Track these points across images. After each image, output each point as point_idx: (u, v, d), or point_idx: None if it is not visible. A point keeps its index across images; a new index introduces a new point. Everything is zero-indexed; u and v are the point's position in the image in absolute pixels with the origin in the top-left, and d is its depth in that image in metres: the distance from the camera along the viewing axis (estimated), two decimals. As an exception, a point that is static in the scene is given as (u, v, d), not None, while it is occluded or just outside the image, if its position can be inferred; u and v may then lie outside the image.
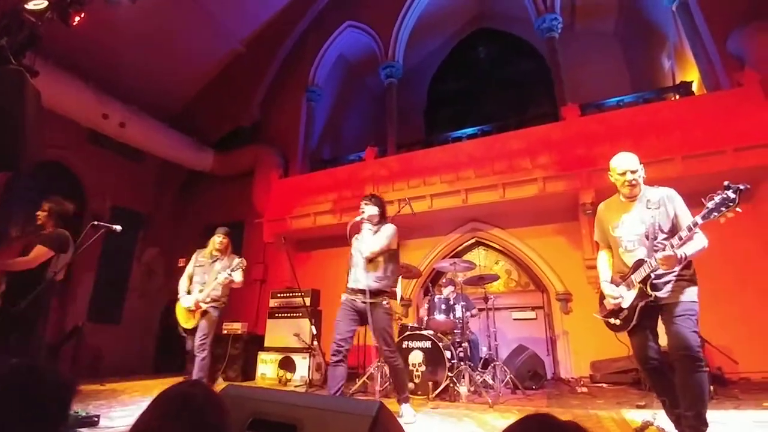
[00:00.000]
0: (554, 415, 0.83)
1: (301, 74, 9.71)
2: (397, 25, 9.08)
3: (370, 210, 3.59)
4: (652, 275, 2.35)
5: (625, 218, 2.56)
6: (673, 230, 2.40)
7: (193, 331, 4.13)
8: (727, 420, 2.99)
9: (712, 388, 3.86)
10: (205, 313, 4.11)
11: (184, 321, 4.18)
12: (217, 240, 4.43)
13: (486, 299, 5.24)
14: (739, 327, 5.15)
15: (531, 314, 6.94)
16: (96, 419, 2.98)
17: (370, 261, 3.45)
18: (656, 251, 2.34)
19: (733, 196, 2.05)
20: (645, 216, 2.48)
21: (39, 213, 3.91)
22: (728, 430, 2.74)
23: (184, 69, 9.16)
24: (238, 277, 4.19)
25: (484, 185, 6.56)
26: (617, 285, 2.55)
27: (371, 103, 11.32)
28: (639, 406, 3.53)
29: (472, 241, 7.55)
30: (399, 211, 5.51)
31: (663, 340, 2.45)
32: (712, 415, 2.20)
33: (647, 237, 2.44)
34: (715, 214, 2.09)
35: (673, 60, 7.75)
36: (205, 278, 4.26)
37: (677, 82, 7.14)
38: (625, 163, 2.53)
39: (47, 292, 3.51)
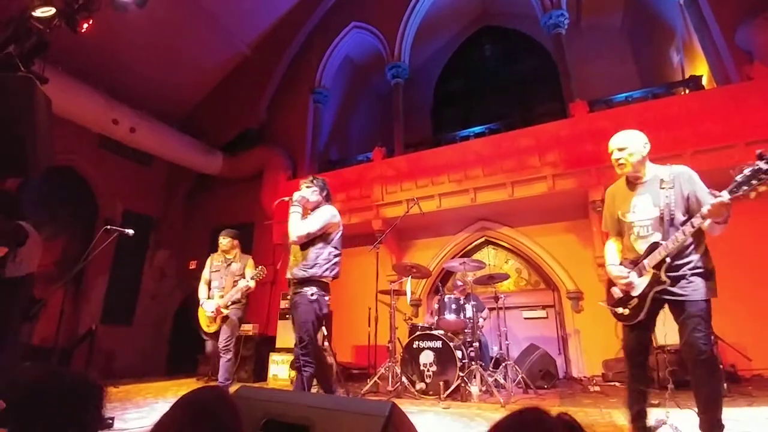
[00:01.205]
0: (544, 409, 0.82)
1: (308, 76, 9.74)
2: (402, 25, 9.08)
3: (301, 193, 3.15)
4: (668, 260, 2.16)
5: (636, 202, 2.36)
6: (688, 212, 2.19)
7: (214, 335, 4.19)
8: (741, 417, 2.95)
9: (725, 385, 3.82)
10: (226, 318, 4.13)
11: (206, 325, 4.25)
12: (223, 242, 4.49)
13: (496, 298, 5.22)
14: (753, 324, 5.08)
15: (542, 313, 6.90)
16: (110, 421, 3.00)
17: (303, 248, 3.04)
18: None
19: (766, 166, 1.82)
20: (658, 197, 2.27)
21: None
22: (742, 428, 2.70)
23: (191, 73, 9.25)
24: (253, 283, 4.27)
25: (492, 184, 6.54)
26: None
27: (378, 103, 11.34)
28: (652, 405, 3.49)
29: (482, 240, 7.53)
30: (408, 211, 5.51)
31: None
32: (726, 413, 2.16)
33: (662, 220, 2.22)
34: (745, 188, 1.87)
35: (681, 54, 7.66)
36: (223, 282, 4.31)
37: (686, 76, 7.05)
38: (613, 142, 2.37)
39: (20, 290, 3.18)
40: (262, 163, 8.97)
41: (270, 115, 9.76)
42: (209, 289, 4.37)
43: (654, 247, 2.22)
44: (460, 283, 5.69)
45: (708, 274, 2.18)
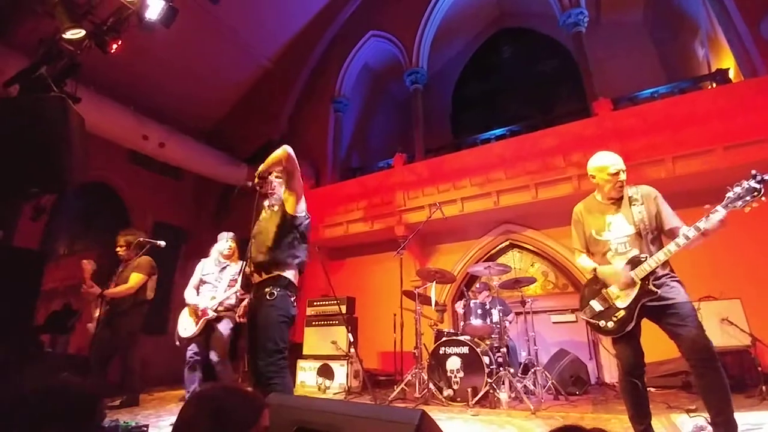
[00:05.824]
0: (582, 427, 0.82)
1: (328, 86, 9.89)
2: (419, 32, 9.12)
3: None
4: (658, 270, 2.26)
5: (611, 220, 2.46)
6: (657, 227, 2.36)
7: (190, 340, 3.95)
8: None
9: (764, 388, 3.68)
10: (218, 320, 3.86)
11: (191, 322, 3.97)
12: (226, 246, 4.26)
13: (523, 303, 5.14)
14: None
15: (571, 317, 6.75)
16: (145, 429, 3.08)
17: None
18: (652, 249, 2.29)
19: (756, 186, 2.02)
20: (632, 214, 2.39)
21: (118, 248, 4.53)
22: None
23: (216, 88, 9.51)
24: None
25: (515, 186, 6.46)
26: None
27: (397, 110, 11.38)
28: (689, 410, 3.38)
29: (506, 243, 7.44)
30: (430, 216, 5.51)
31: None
32: (764, 416, 2.08)
33: (639, 235, 2.35)
34: (739, 203, 2.06)
35: (707, 48, 7.43)
36: (215, 291, 4.06)
37: (713, 70, 6.84)
38: (618, 163, 2.44)
39: (142, 310, 4.69)
40: (285, 173, 9.10)
41: (292, 125, 9.93)
42: (198, 294, 4.12)
43: (636, 261, 2.31)
44: (479, 285, 5.64)
45: (680, 281, 2.32)
